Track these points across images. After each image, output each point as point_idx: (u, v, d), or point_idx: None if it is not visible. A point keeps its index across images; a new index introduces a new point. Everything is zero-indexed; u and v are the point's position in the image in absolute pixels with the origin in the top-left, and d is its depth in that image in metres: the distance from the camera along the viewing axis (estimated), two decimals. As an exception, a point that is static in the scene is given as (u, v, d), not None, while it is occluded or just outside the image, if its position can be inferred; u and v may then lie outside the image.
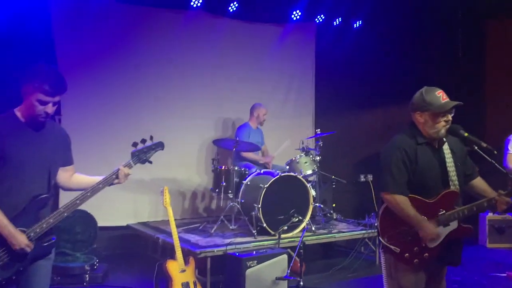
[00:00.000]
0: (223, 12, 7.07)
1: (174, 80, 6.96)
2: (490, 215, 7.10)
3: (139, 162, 2.97)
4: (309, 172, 6.23)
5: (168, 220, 4.63)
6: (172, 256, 4.50)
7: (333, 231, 6.13)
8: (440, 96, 3.03)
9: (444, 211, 3.00)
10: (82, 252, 5.62)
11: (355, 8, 7.70)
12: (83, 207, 5.43)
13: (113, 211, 6.42)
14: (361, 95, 8.07)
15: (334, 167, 7.07)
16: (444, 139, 3.12)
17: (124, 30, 6.61)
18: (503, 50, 9.02)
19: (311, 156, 6.38)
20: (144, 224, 6.57)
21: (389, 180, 2.99)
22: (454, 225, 3.02)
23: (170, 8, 6.85)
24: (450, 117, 3.04)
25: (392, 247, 2.96)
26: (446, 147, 3.12)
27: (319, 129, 6.62)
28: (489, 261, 6.35)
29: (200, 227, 6.13)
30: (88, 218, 5.75)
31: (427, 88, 3.08)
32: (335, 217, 6.71)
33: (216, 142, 6.26)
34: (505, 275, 5.68)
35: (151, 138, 3.00)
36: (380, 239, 3.01)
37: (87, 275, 5.20)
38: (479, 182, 3.23)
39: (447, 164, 3.07)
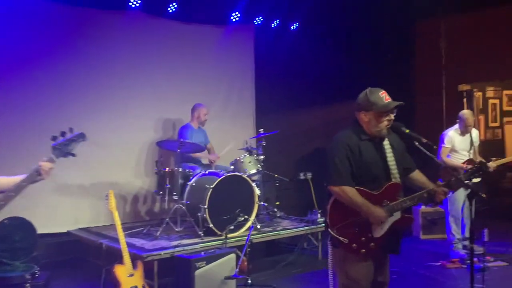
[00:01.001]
0: (162, 12, 6.99)
1: (114, 81, 6.81)
2: (423, 207, 7.49)
3: (61, 156, 2.88)
4: (254, 171, 6.30)
5: (111, 225, 4.56)
6: (117, 261, 4.42)
7: (277, 229, 6.25)
8: (384, 96, 3.20)
9: (388, 202, 3.16)
10: (21, 260, 5.37)
11: (292, 11, 7.88)
12: (21, 214, 5.27)
13: (53, 217, 6.21)
14: (300, 95, 8.26)
15: (276, 166, 7.20)
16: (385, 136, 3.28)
17: (62, 31, 6.39)
18: (431, 49, 9.54)
19: (254, 155, 6.46)
20: (86, 229, 6.38)
21: (334, 174, 3.12)
22: (397, 215, 3.18)
23: (108, 9, 6.68)
24: (392, 116, 3.22)
25: (341, 238, 3.08)
26: (386, 143, 3.29)
27: (262, 129, 6.72)
28: (424, 252, 6.70)
29: (145, 231, 6.03)
30: (27, 226, 5.50)
31: (371, 89, 3.24)
32: (278, 215, 6.84)
33: (159, 143, 6.19)
34: (439, 264, 6.01)
35: (71, 130, 2.92)
36: (329, 231, 3.11)
37: (28, 284, 4.98)
38: (418, 175, 3.43)
39: (388, 159, 3.24)
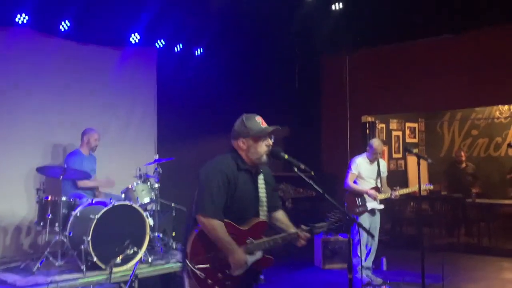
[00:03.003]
0: (54, 31, 6.52)
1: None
2: (324, 237, 7.41)
3: None
4: (147, 200, 5.99)
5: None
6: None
7: (171, 261, 5.89)
8: (260, 121, 3.13)
9: (252, 240, 3.02)
10: None
11: (196, 36, 7.73)
12: None
13: None
14: (203, 122, 8.05)
15: (175, 195, 6.86)
16: (261, 169, 3.19)
17: None
18: (336, 82, 9.78)
19: (149, 183, 6.13)
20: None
21: (209, 203, 2.92)
22: (258, 254, 3.05)
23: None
24: (270, 142, 3.13)
25: (198, 272, 2.87)
26: (261, 177, 3.19)
27: (157, 155, 6.42)
28: (324, 283, 6.59)
29: (22, 266, 5.48)
30: None
31: (246, 115, 3.16)
32: (175, 246, 6.47)
33: (40, 170, 5.67)
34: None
35: None
36: (187, 262, 2.89)
37: None
38: (281, 215, 3.34)
39: (260, 194, 3.14)
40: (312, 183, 3.26)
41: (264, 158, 3.10)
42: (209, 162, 3.08)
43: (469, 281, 6.49)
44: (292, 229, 3.15)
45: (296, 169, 3.24)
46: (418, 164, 3.67)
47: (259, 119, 3.13)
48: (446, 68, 8.54)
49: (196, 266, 2.87)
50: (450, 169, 10.25)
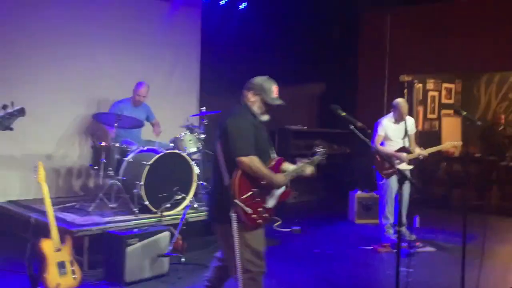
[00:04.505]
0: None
1: (48, 52, 6.47)
2: (358, 193, 7.63)
3: (1, 129, 2.84)
4: (193, 150, 6.22)
5: (41, 199, 4.36)
6: (46, 236, 4.26)
7: (214, 208, 6.18)
8: (275, 91, 3.51)
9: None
10: None
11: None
12: None
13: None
14: (246, 76, 8.16)
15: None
16: None
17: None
18: (375, 39, 9.73)
19: (195, 134, 6.36)
20: (14, 202, 6.12)
21: (246, 145, 3.29)
22: (283, 187, 3.49)
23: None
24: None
25: (247, 208, 3.20)
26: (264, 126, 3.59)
27: (204, 107, 6.62)
28: (358, 236, 6.85)
29: (77, 206, 5.85)
30: None
31: (269, 78, 3.54)
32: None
33: (96, 116, 5.94)
34: (371, 247, 6.17)
35: (12, 104, 2.88)
36: (237, 202, 3.19)
37: None
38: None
39: (268, 138, 3.57)
40: (367, 140, 3.45)
41: (264, 117, 3.50)
42: (233, 115, 3.41)
43: (502, 242, 6.67)
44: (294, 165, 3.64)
45: (352, 126, 3.44)
46: (466, 126, 3.78)
47: (275, 88, 3.50)
48: (485, 28, 8.43)
49: (244, 204, 3.20)
50: (487, 131, 10.15)
